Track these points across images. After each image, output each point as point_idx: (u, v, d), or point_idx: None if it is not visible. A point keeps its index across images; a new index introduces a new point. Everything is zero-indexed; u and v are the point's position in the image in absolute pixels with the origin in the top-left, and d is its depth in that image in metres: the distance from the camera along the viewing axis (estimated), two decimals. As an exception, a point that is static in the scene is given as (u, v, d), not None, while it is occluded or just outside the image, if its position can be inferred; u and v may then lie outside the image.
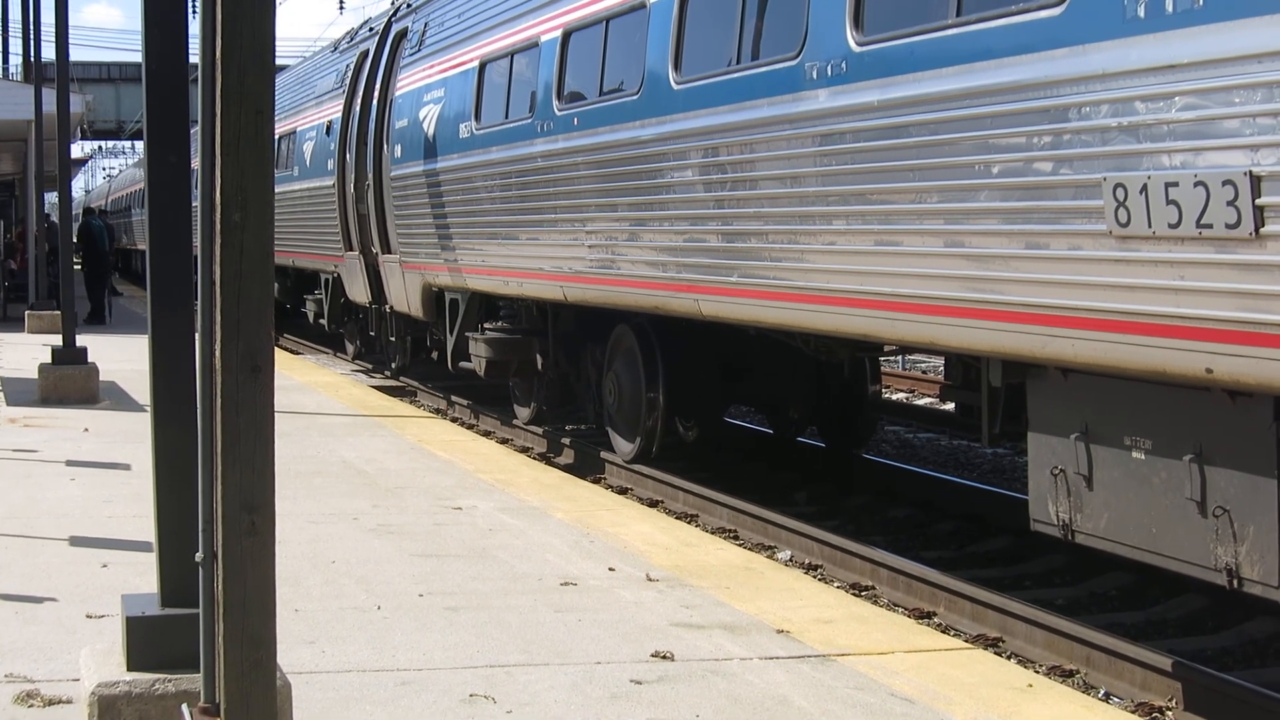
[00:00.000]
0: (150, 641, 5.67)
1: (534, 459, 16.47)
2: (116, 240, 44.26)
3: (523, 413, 19.04)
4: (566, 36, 15.43)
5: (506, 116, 16.92)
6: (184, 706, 5.05)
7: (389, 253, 21.71)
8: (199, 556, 4.98)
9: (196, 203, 5.27)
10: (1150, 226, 7.57)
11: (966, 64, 9.01)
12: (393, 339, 23.60)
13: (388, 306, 22.73)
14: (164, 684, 5.55)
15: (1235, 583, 7.79)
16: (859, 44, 10.10)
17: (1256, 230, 6.99)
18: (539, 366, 17.88)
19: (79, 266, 35.96)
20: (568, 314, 17.13)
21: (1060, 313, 8.33)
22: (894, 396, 23.25)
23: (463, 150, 18.21)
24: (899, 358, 25.93)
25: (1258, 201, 6.97)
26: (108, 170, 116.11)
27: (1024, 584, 11.50)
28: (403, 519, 11.28)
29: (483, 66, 17.93)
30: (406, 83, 21.06)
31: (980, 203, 8.95)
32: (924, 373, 25.71)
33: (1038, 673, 8.72)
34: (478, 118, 17.83)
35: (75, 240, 38.78)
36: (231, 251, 4.55)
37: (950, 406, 18.64)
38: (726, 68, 12.04)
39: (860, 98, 10.06)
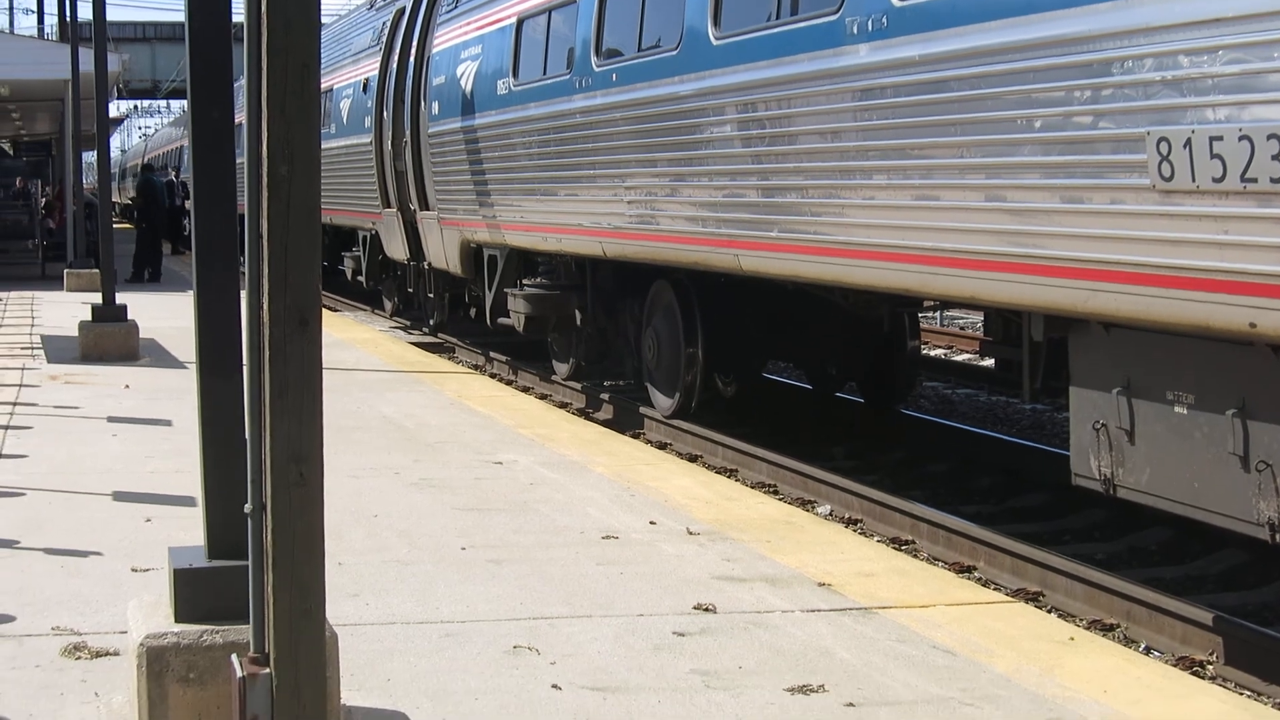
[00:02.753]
0: (198, 593, 5.69)
1: (573, 414, 16.48)
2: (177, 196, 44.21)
3: (561, 368, 19.05)
4: (605, -10, 15.41)
5: (545, 73, 16.90)
6: (233, 657, 5.07)
7: (427, 209, 21.72)
8: (248, 508, 5.00)
9: (241, 159, 5.28)
10: (1194, 180, 7.54)
11: (1009, 18, 8.97)
12: (430, 295, 23.60)
13: (426, 263, 22.74)
14: (212, 635, 5.57)
15: (1277, 537, 7.77)
16: (901, -1, 10.07)
17: (1301, 183, 6.96)
18: (577, 322, 17.89)
19: (136, 225, 35.99)
20: (606, 270, 17.11)
21: (1103, 267, 8.30)
22: (932, 353, 23.20)
23: (501, 107, 18.19)
24: (937, 314, 25.89)
25: (1302, 155, 6.94)
26: (143, 129, 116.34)
27: (1064, 539, 11.49)
28: (444, 473, 11.31)
29: (520, 23, 17.89)
30: (444, 40, 21.04)
31: (1022, 157, 8.93)
32: (962, 329, 25.65)
33: (1079, 626, 8.71)
34: (515, 74, 17.80)
35: (135, 196, 38.80)
36: (279, 204, 4.55)
37: (989, 362, 18.63)
38: (766, 23, 12.00)
39: (901, 52, 10.02)
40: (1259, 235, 7.25)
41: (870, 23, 10.37)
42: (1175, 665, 8.39)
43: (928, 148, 9.85)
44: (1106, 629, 9.24)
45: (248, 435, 5.10)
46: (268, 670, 4.75)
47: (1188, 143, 7.57)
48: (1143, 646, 8.95)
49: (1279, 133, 7.03)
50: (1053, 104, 8.62)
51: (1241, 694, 7.96)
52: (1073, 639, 7.49)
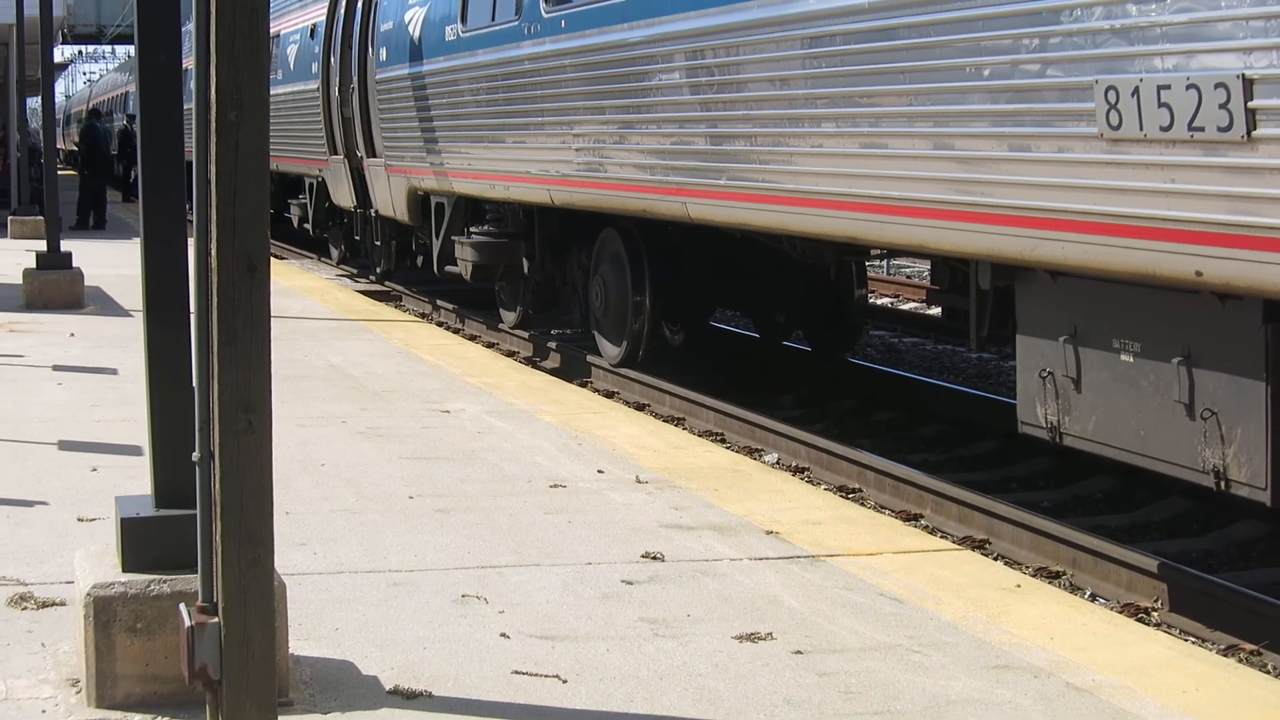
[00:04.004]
0: (145, 542, 5.66)
1: (520, 363, 16.47)
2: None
3: (509, 317, 19.02)
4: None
5: (493, 19, 16.81)
6: (181, 606, 5.05)
7: (374, 157, 21.62)
8: (195, 456, 4.97)
9: (189, 104, 5.23)
10: (1142, 129, 7.55)
11: (954, -35, 8.96)
12: (378, 243, 23.52)
13: (373, 211, 22.65)
14: (159, 584, 5.55)
15: (1222, 485, 7.82)
16: (848, -55, 10.04)
17: (1248, 133, 6.97)
18: (525, 270, 17.85)
19: (80, 171, 35.77)
20: (554, 218, 17.07)
21: (1050, 215, 8.31)
22: (879, 301, 23.25)
23: (449, 53, 18.10)
24: (884, 262, 25.93)
25: (1250, 104, 6.95)
26: (88, 75, 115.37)
27: (1010, 487, 11.54)
28: (391, 422, 11.29)
29: (469, -32, 17.80)
30: (391, -15, 20.91)
31: (970, 105, 8.92)
32: (909, 277, 25.70)
33: (1025, 574, 8.76)
34: (464, 20, 17.71)
35: (79, 143, 38.51)
36: (227, 149, 4.53)
37: (935, 311, 18.68)
38: (716, -31, 11.95)
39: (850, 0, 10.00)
40: (1205, 184, 7.27)
41: (820, -31, 10.35)
42: (1120, 612, 8.43)
43: (876, 96, 9.84)
44: (1052, 576, 9.29)
45: (195, 383, 5.06)
46: (216, 620, 4.74)
47: (1135, 91, 7.57)
48: (1088, 593, 9.00)
49: (1226, 82, 7.04)
50: (1001, 52, 8.61)
51: (1186, 640, 8.01)
52: (1019, 586, 7.53)
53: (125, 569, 5.66)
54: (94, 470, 9.47)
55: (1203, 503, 10.29)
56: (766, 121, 11.16)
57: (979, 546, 9.82)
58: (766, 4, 11.02)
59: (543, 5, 15.31)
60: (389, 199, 21.18)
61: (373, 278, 25.08)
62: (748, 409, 13.58)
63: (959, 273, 10.93)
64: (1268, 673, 7.54)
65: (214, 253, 4.60)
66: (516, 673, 6.06)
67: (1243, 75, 6.97)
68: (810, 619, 6.78)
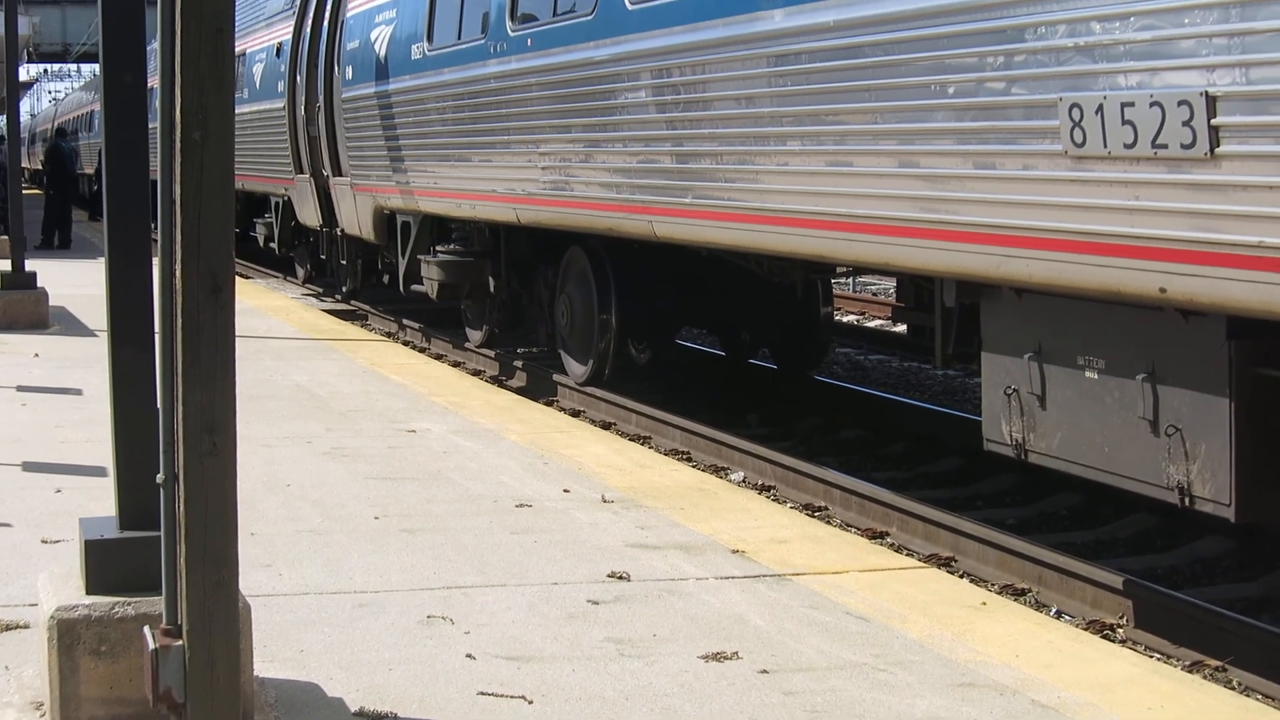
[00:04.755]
0: (109, 565, 5.63)
1: (486, 382, 16.46)
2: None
3: (475, 335, 19.01)
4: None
5: (459, 37, 16.82)
6: (145, 629, 5.03)
7: (340, 175, 21.60)
8: (160, 478, 4.95)
9: (154, 124, 5.22)
10: (1106, 146, 7.58)
11: (919, -16, 8.99)
12: (344, 262, 23.48)
13: (339, 230, 22.61)
14: (124, 607, 5.52)
15: (1186, 501, 7.85)
16: (816, -36, 10.06)
17: (1211, 150, 7.00)
18: (491, 289, 17.84)
19: (45, 191, 35.65)
20: (520, 236, 17.06)
21: (1015, 233, 8.33)
22: (845, 318, 23.29)
23: (415, 72, 18.10)
24: (850, 280, 25.97)
25: (1213, 122, 6.98)
26: (53, 94, 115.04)
27: (976, 504, 11.56)
28: (357, 442, 11.27)
29: (435, -13, 17.81)
30: (358, 3, 20.89)
31: (935, 123, 8.94)
32: (875, 295, 25.75)
33: (990, 591, 8.77)
34: (430, 39, 17.71)
35: (45, 163, 38.40)
36: (191, 170, 4.51)
37: (902, 328, 18.70)
38: (682, -12, 11.97)
39: (816, 18, 10.02)
40: (1170, 201, 7.30)
41: (785, -12, 10.37)
42: (1086, 629, 8.45)
43: (841, 113, 9.86)
44: (1018, 593, 9.31)
45: (159, 404, 5.05)
46: (180, 642, 4.72)
47: (1100, 109, 7.60)
48: (1054, 610, 9.02)
49: (1189, 99, 7.08)
50: (966, 70, 8.64)
51: (1151, 656, 8.03)
52: (985, 604, 7.54)
53: (89, 591, 5.63)
54: (58, 492, 9.43)
55: (1168, 519, 10.32)
56: (732, 140, 11.17)
57: (945, 564, 9.83)
58: (731, 22, 11.03)
59: (508, 24, 15.32)
60: (355, 218, 21.15)
61: (339, 297, 25.05)
62: (714, 427, 13.59)
63: (925, 290, 10.95)
64: (1233, 689, 7.58)
65: (178, 273, 4.58)
66: (482, 694, 6.04)
67: (1206, 92, 7.00)
68: (776, 638, 6.78)
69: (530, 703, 5.96)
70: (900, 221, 9.32)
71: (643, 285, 15.24)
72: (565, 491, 9.70)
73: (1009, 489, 11.87)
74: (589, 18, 13.49)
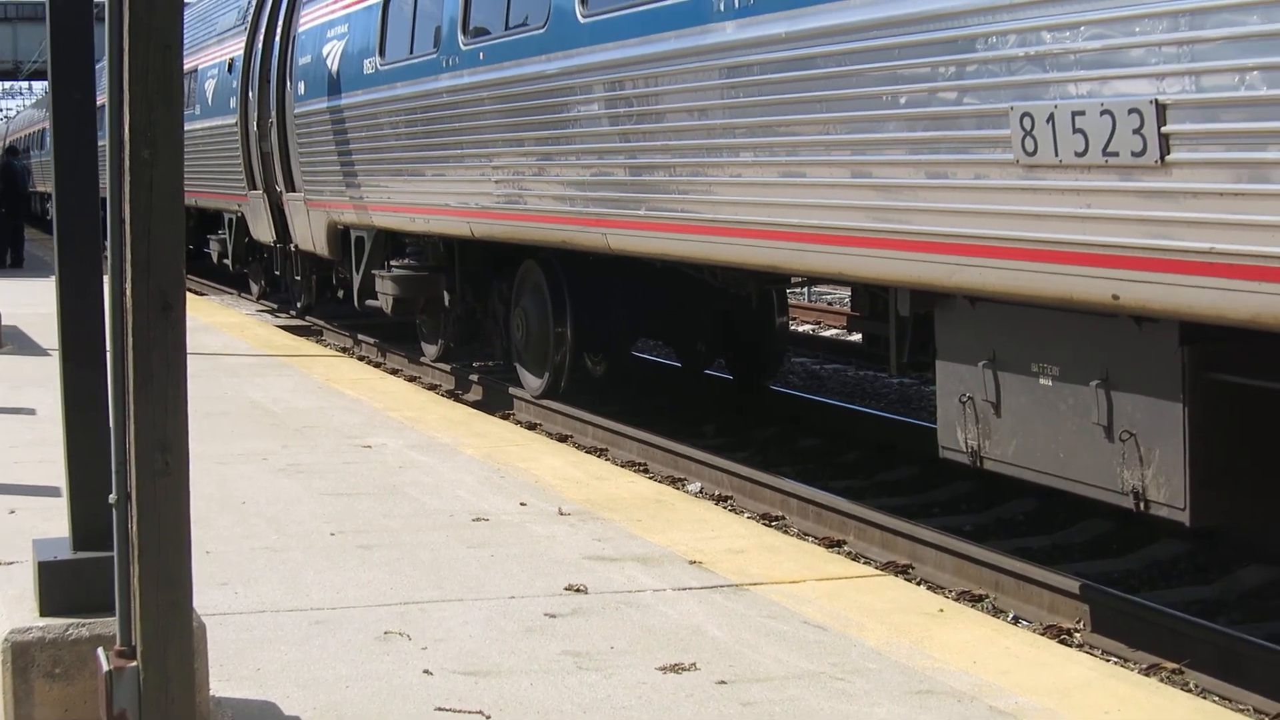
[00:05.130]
0: (63, 586, 5.60)
1: (442, 396, 16.43)
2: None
3: (430, 350, 18.97)
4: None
5: (411, 52, 16.79)
6: (99, 650, 5.00)
7: (293, 191, 21.54)
8: (112, 498, 4.92)
9: (103, 141, 5.19)
10: (1057, 155, 7.60)
11: (871, -5, 9.00)
12: (298, 278, 23.42)
13: (292, 245, 22.56)
14: (78, 628, 5.49)
15: (1141, 505, 7.87)
16: (767, -25, 10.07)
17: (1162, 158, 7.03)
18: (446, 303, 17.81)
19: None
20: (475, 250, 17.04)
21: (968, 241, 8.35)
22: (801, 328, 23.31)
23: (367, 86, 18.07)
24: (805, 290, 26.00)
25: (1163, 129, 7.00)
26: (4, 111, 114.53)
27: (932, 511, 11.58)
28: (312, 458, 11.22)
29: (387, 2, 17.77)
30: (310, 18, 20.86)
31: (887, 133, 8.96)
32: (830, 304, 25.79)
33: (948, 598, 8.78)
34: (382, 53, 17.68)
35: None
36: (141, 188, 4.49)
37: (857, 337, 18.75)
38: (634, 1, 11.96)
39: (768, 29, 10.03)
40: (1121, 208, 7.32)
41: (737, 0, 10.37)
42: (1043, 634, 8.47)
43: (794, 125, 9.87)
44: (975, 600, 9.32)
45: (112, 424, 5.02)
46: (135, 663, 4.69)
47: (1050, 118, 7.62)
48: (1011, 616, 9.04)
49: (1140, 107, 7.10)
50: (918, 80, 8.65)
51: (1108, 660, 8.06)
52: (942, 610, 7.55)
53: (43, 613, 5.60)
54: (12, 513, 9.37)
55: (1124, 524, 10.35)
56: (686, 152, 11.17)
57: (902, 571, 9.85)
58: (684, 34, 11.04)
59: (460, 37, 15.30)
60: (309, 233, 21.10)
61: (293, 313, 24.98)
62: (670, 438, 13.59)
63: (879, 299, 10.96)
64: (1189, 691, 7.61)
65: (129, 292, 4.56)
66: (440, 709, 6.02)
67: (1156, 100, 7.02)
68: (734, 648, 6.78)
69: (488, 718, 5.94)
70: (853, 231, 9.33)
71: (598, 298, 15.23)
72: (522, 505, 9.68)
73: (965, 496, 11.90)
74: (541, 31, 13.48)
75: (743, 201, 10.49)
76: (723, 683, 6.33)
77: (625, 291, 15.37)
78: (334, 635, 6.94)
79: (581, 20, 12.71)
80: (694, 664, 6.55)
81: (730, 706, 6.06)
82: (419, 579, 7.91)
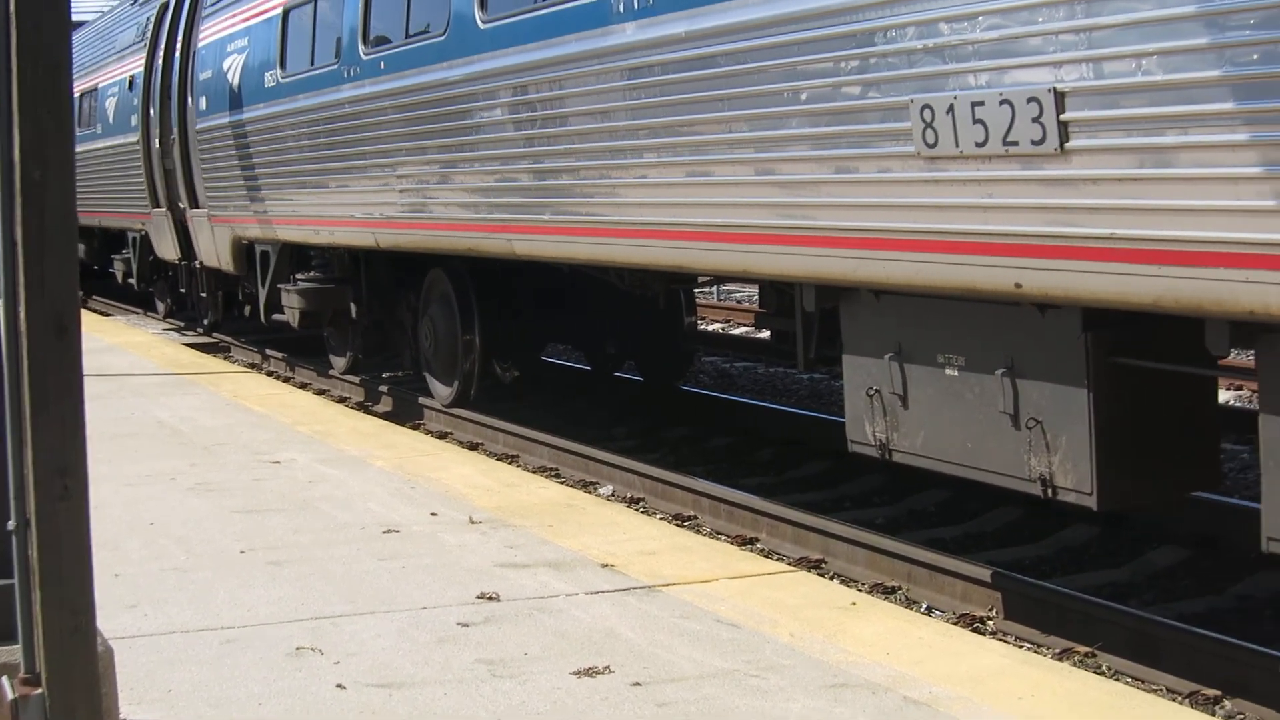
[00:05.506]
0: (-35, 613, 5.51)
1: (352, 408, 16.35)
2: None
3: (339, 362, 18.86)
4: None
5: (312, 64, 16.68)
6: (3, 679, 4.92)
7: (197, 207, 21.36)
8: (11, 524, 4.83)
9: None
10: (958, 146, 7.61)
11: (767, -8, 8.99)
12: (204, 295, 23.21)
13: (197, 262, 22.36)
14: (-19, 656, 5.40)
15: (1049, 492, 7.89)
16: (667, -24, 10.06)
17: (1061, 146, 7.04)
18: (353, 315, 17.70)
19: None
20: (381, 260, 16.95)
21: (871, 235, 8.35)
22: (710, 327, 23.32)
23: (269, 100, 17.94)
24: (714, 288, 26.02)
25: (1062, 117, 7.02)
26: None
27: (844, 505, 11.60)
28: (221, 476, 11.11)
29: (286, 14, 17.65)
30: (209, 33, 20.69)
31: (790, 130, 8.95)
32: (739, 302, 25.80)
33: (861, 591, 8.80)
34: (283, 66, 17.56)
35: None
36: (33, 211, 4.41)
37: (766, 334, 18.76)
38: (534, 5, 11.91)
39: (668, 29, 10.00)
40: (1022, 197, 7.34)
41: (636, 1, 10.34)
42: (956, 623, 8.49)
43: (697, 124, 9.85)
44: (888, 591, 9.33)
45: (9, 449, 4.93)
46: (40, 690, 4.61)
47: (950, 109, 7.63)
48: (924, 606, 9.05)
49: (1038, 96, 7.11)
50: (819, 76, 8.64)
51: (1021, 646, 8.09)
52: (855, 604, 7.55)
53: (-54, 641, 5.49)
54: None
55: (1034, 510, 10.40)
56: (590, 154, 11.13)
57: (815, 566, 9.85)
58: (584, 37, 11.00)
59: (361, 47, 15.21)
60: (213, 249, 20.94)
61: (200, 330, 24.78)
62: (581, 442, 13.56)
63: (786, 295, 10.96)
64: (1102, 674, 7.64)
65: (22, 315, 4.48)
66: (355, 723, 5.97)
67: (1054, 89, 7.04)
68: (648, 650, 6.75)
69: (403, 730, 5.90)
70: (758, 229, 9.32)
71: (506, 304, 15.19)
72: (433, 515, 9.62)
73: (877, 489, 11.93)
74: (441, 38, 13.41)
75: (648, 202, 10.46)
76: (638, 684, 6.30)
77: (533, 297, 15.33)
78: (245, 653, 6.86)
79: (482, 26, 12.65)
80: (608, 667, 6.51)
81: (645, 708, 6.03)
82: (330, 593, 7.84)
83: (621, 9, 10.49)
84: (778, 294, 11.41)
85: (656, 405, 15.87)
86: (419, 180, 14.11)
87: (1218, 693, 7.44)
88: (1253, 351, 6.84)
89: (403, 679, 6.46)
